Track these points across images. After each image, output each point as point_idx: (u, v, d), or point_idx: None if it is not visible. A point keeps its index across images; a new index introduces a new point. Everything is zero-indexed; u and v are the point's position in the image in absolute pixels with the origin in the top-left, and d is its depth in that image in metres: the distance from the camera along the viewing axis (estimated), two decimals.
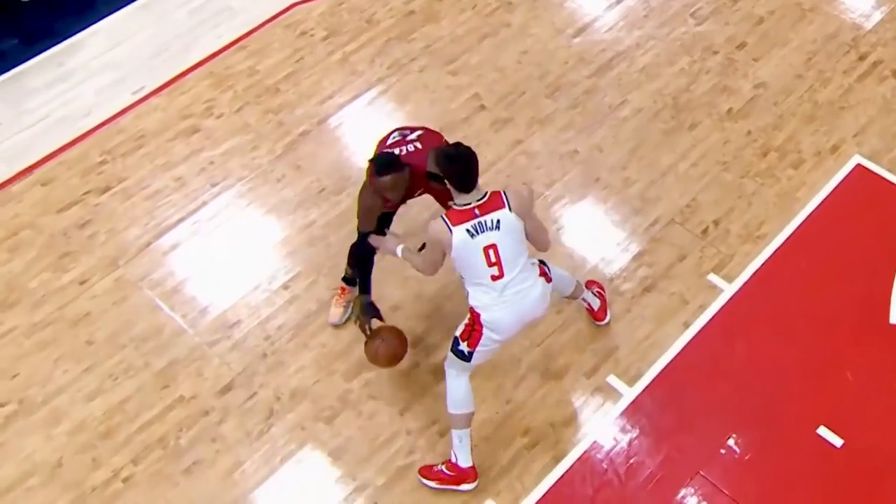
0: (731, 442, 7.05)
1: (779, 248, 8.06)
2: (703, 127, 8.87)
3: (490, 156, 8.68)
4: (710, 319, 7.69)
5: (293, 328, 7.72)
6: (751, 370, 7.40)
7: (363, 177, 6.94)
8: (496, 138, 8.87)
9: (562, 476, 6.94)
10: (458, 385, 6.62)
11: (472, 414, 6.68)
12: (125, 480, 6.99)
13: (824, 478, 6.89)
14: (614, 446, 7.09)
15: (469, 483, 6.78)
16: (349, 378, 7.45)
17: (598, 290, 7.61)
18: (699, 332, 7.63)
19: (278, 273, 8.05)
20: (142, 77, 9.47)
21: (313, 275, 8.00)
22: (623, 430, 7.16)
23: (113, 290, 7.96)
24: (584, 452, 7.07)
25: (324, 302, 7.78)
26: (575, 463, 7.02)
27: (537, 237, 6.50)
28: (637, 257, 8.06)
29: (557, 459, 7.03)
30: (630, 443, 7.09)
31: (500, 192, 6.21)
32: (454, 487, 6.79)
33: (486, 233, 6.14)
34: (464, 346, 6.46)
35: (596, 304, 7.54)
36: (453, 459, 6.75)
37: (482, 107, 9.11)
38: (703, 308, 7.74)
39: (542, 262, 6.59)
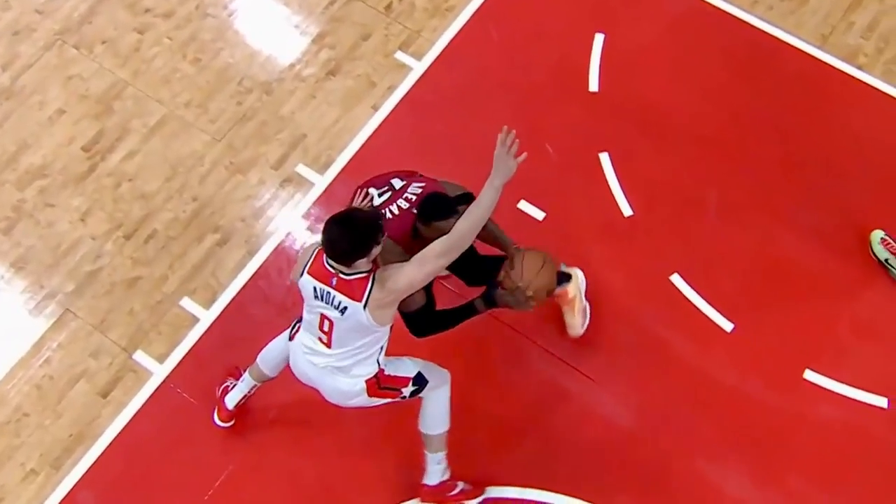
0: None
1: (468, 20, 7.79)
2: None
3: None
4: (401, 100, 7.46)
5: None
6: (445, 147, 7.21)
7: None
8: None
9: (257, 269, 6.84)
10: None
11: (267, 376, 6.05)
12: None
13: None
14: (309, 238, 6.94)
15: (217, 418, 6.25)
16: (21, 187, 7.21)
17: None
18: (390, 113, 7.40)
19: None
20: None
21: None
22: (317, 220, 6.98)
23: None
24: (279, 244, 6.95)
25: None
26: (269, 256, 6.91)
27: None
28: (317, 39, 7.71)
29: (251, 254, 6.92)
30: None
31: (367, 281, 5.07)
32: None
33: (328, 306, 5.17)
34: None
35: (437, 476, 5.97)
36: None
37: None
38: (392, 89, 7.51)
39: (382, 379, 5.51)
